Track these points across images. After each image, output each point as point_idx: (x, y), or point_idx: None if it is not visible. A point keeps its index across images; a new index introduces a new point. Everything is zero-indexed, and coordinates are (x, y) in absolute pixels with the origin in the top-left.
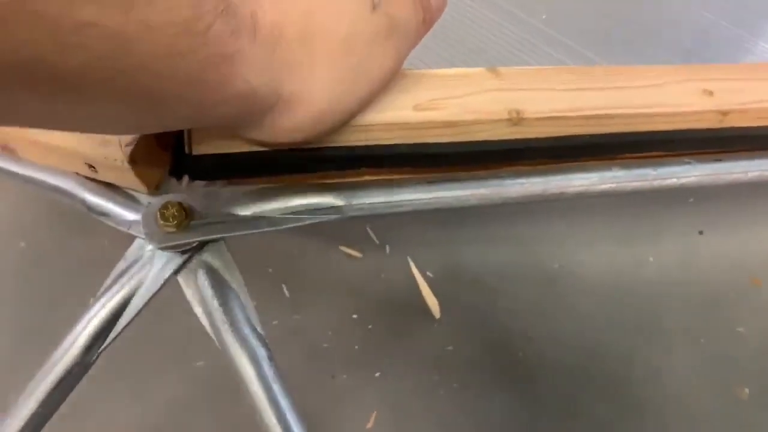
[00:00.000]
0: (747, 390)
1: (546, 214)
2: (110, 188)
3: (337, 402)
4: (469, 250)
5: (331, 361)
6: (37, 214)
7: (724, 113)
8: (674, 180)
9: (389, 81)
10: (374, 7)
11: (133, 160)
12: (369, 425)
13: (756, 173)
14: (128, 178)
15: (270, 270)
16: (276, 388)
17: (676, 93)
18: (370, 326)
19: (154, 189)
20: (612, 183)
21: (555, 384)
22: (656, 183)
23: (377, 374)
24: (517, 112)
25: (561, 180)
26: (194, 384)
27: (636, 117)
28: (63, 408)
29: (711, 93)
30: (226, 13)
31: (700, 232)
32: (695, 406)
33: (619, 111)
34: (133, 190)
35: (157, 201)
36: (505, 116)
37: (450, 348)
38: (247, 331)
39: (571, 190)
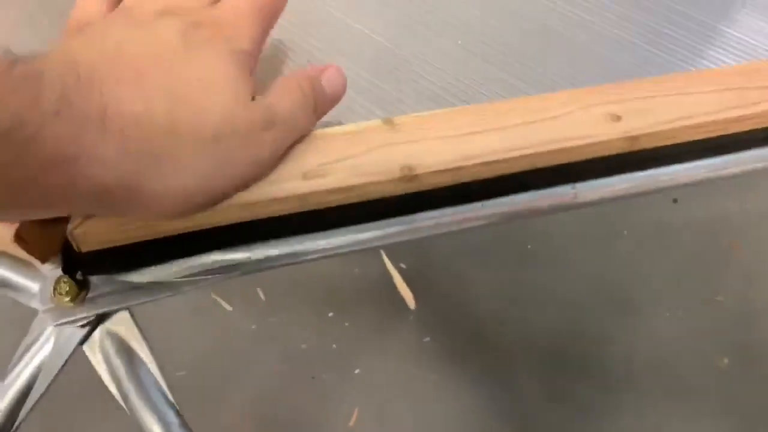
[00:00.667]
0: (726, 360)
1: None
2: (16, 260)
3: (319, 402)
4: (440, 240)
5: (311, 362)
6: None
7: (634, 138)
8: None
9: (268, 167)
10: (252, 99)
11: (20, 237)
12: (351, 423)
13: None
14: (23, 253)
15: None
16: None
17: (580, 122)
18: (346, 324)
19: (52, 260)
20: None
21: (532, 368)
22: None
23: (356, 371)
24: (410, 169)
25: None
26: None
27: (537, 156)
28: None
29: (618, 117)
30: (61, 116)
31: (675, 201)
32: (675, 380)
33: (517, 153)
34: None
35: (52, 274)
36: (397, 175)
37: (427, 339)
38: (156, 396)
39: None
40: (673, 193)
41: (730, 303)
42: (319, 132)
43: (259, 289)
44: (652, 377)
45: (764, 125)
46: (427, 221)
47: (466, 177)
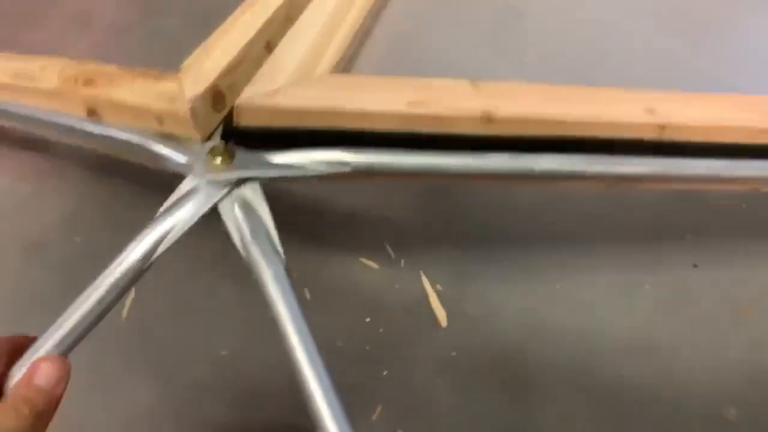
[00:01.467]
0: (734, 411)
1: (551, 241)
2: (171, 138)
3: (346, 395)
4: (478, 269)
5: (343, 359)
6: (93, 214)
7: (662, 127)
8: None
9: None
10: None
11: (193, 112)
12: (374, 417)
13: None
14: (188, 128)
15: (295, 275)
16: (290, 292)
17: (623, 110)
18: (381, 330)
19: (207, 139)
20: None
21: (549, 394)
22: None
23: (384, 373)
24: (489, 113)
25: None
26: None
27: (587, 124)
28: (91, 379)
29: (652, 111)
30: None
31: (695, 266)
32: (682, 426)
33: (573, 119)
34: (189, 139)
35: (208, 144)
36: (478, 115)
37: (454, 354)
38: (269, 249)
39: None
40: (695, 260)
41: (743, 362)
42: (417, 78)
43: (306, 289)
44: (662, 418)
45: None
46: (498, 160)
47: (533, 130)
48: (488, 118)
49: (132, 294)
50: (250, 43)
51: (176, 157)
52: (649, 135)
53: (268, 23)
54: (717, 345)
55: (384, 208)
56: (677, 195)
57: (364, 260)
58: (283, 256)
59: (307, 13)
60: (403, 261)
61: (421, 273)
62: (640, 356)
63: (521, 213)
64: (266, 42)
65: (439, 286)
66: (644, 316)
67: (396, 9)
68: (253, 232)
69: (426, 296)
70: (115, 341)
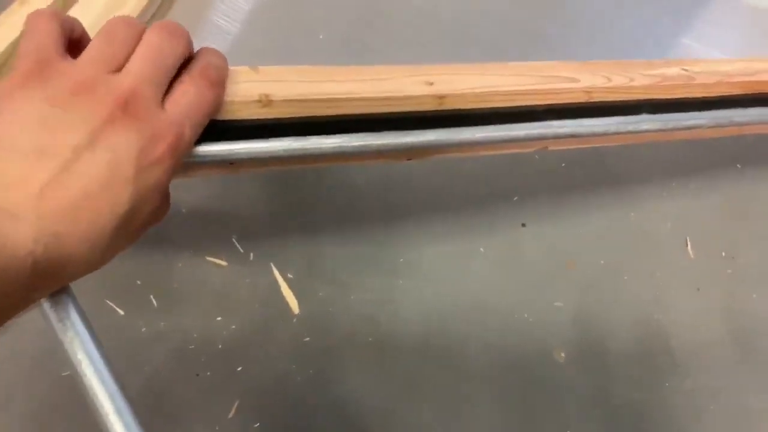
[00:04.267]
0: (563, 353)
1: (393, 217)
2: None
3: (201, 396)
4: (326, 252)
5: (196, 361)
6: None
7: (441, 97)
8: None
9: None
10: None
11: None
12: (231, 414)
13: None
14: None
15: (138, 282)
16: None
17: (403, 84)
18: (233, 326)
19: None
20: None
21: (401, 363)
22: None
23: (239, 368)
24: (266, 96)
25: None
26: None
27: (368, 100)
28: None
29: (431, 83)
30: None
31: (523, 225)
32: (521, 371)
33: (353, 96)
34: None
35: None
36: (256, 98)
37: (307, 339)
38: None
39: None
40: (523, 219)
41: (567, 308)
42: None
43: (151, 296)
44: (502, 370)
45: (541, 101)
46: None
47: (311, 110)
48: (267, 101)
49: None
50: (15, 44)
51: None
52: (430, 106)
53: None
54: (546, 297)
55: (227, 202)
56: (505, 161)
57: (211, 258)
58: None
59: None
60: (252, 254)
61: (271, 264)
62: (482, 315)
63: (364, 193)
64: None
65: (290, 275)
66: (481, 278)
67: None
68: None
69: (277, 286)
70: None
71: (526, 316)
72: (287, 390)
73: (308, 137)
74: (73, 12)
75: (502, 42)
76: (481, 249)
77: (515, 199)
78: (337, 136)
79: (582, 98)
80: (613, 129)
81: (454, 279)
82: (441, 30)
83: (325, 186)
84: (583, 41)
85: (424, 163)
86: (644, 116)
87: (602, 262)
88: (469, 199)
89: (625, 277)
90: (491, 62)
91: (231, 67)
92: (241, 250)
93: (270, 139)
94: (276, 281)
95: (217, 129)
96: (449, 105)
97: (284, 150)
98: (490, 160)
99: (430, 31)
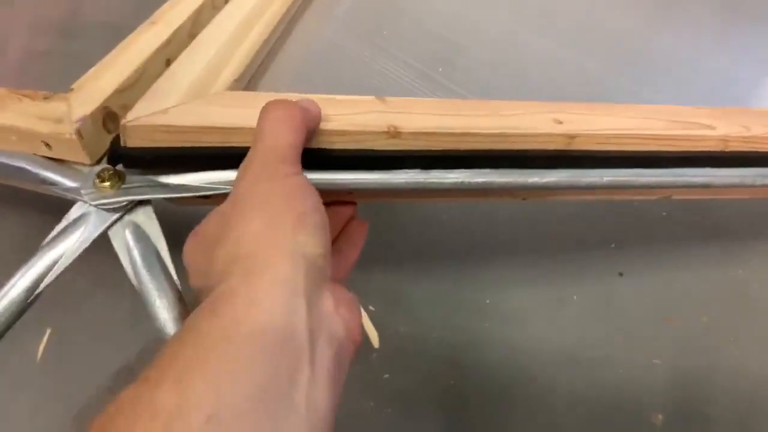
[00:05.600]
0: (660, 416)
1: (480, 255)
2: (59, 163)
3: None
4: (409, 287)
5: None
6: None
7: (572, 137)
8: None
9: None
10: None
11: (80, 134)
12: None
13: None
14: (76, 151)
15: None
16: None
17: (533, 120)
18: None
19: (96, 162)
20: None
21: (483, 411)
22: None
23: None
24: (395, 128)
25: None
26: None
27: (495, 136)
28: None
29: (560, 122)
30: None
31: (620, 274)
32: (615, 431)
33: (481, 131)
34: (79, 163)
35: (96, 168)
36: (384, 129)
37: (386, 376)
38: (161, 278)
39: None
40: (620, 268)
41: (665, 366)
42: (325, 96)
43: None
44: (590, 428)
45: (674, 148)
46: (407, 176)
47: (438, 143)
48: (395, 132)
49: (47, 332)
50: (148, 62)
51: (65, 181)
52: (557, 145)
53: (169, 41)
54: (642, 353)
55: None
56: (602, 205)
57: None
58: (178, 284)
59: (207, 30)
60: None
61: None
62: (570, 367)
63: (450, 228)
64: (166, 60)
65: (371, 307)
66: (573, 327)
67: (308, 26)
68: (144, 259)
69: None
70: (27, 385)
71: (620, 372)
72: (364, 427)
73: (431, 171)
74: (206, 30)
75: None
76: (574, 297)
77: (612, 246)
78: (460, 171)
79: (717, 147)
80: (749, 181)
81: (543, 326)
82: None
83: (409, 220)
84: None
85: (510, 201)
86: None
87: (704, 319)
88: (560, 242)
89: (731, 339)
90: (620, 104)
91: (357, 96)
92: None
93: (394, 170)
94: None
95: (341, 158)
96: (578, 145)
97: (407, 182)
98: (584, 203)
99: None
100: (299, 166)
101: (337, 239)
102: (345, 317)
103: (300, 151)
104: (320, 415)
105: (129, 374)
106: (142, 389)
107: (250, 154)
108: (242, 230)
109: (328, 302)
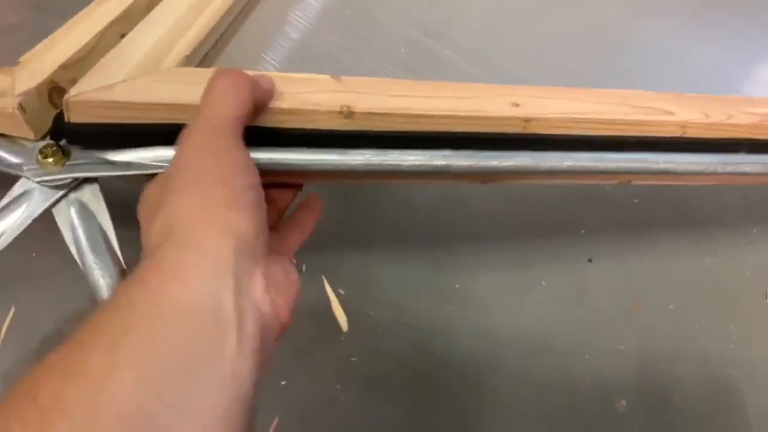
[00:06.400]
0: (624, 402)
1: (451, 240)
2: (4, 138)
3: None
4: (379, 271)
5: None
6: None
7: (527, 120)
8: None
9: None
10: None
11: (23, 108)
12: (270, 430)
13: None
14: (19, 126)
15: None
16: None
17: (488, 103)
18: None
19: (42, 138)
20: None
21: (451, 396)
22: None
23: (282, 383)
24: (348, 107)
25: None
26: None
27: (451, 118)
28: None
29: (517, 104)
30: None
31: (590, 260)
32: (577, 417)
33: (436, 113)
34: (23, 138)
35: (40, 143)
36: (337, 109)
37: (354, 359)
38: (106, 258)
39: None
40: (590, 254)
41: (631, 352)
42: (279, 73)
43: None
44: (560, 413)
45: (632, 133)
46: (362, 157)
47: (394, 124)
48: (348, 113)
49: (11, 311)
50: (101, 35)
51: (8, 157)
52: (514, 129)
53: (124, 15)
54: (610, 339)
55: None
56: (573, 191)
57: None
58: (123, 264)
59: (163, 3)
60: (304, 266)
61: (323, 278)
62: (538, 352)
63: (422, 212)
64: (121, 35)
65: (341, 291)
66: (542, 312)
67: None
68: (89, 238)
69: (328, 301)
70: None
71: (586, 357)
72: (330, 410)
73: (388, 152)
74: (161, 4)
75: (579, 69)
76: (543, 282)
77: (582, 232)
78: (418, 152)
79: (676, 132)
80: (710, 168)
81: (511, 311)
82: (519, 50)
83: (381, 204)
84: (650, 72)
85: (483, 185)
86: (745, 156)
87: (672, 306)
88: (531, 227)
89: (696, 326)
90: (578, 87)
91: (312, 75)
92: (294, 261)
93: (349, 151)
94: (327, 296)
95: (293, 137)
96: (535, 129)
97: (363, 164)
98: (555, 188)
99: (509, 52)
100: (240, 138)
101: (294, 214)
102: (273, 297)
103: (244, 122)
104: (244, 386)
105: None
106: (75, 351)
107: (192, 122)
108: (177, 202)
109: (258, 281)
